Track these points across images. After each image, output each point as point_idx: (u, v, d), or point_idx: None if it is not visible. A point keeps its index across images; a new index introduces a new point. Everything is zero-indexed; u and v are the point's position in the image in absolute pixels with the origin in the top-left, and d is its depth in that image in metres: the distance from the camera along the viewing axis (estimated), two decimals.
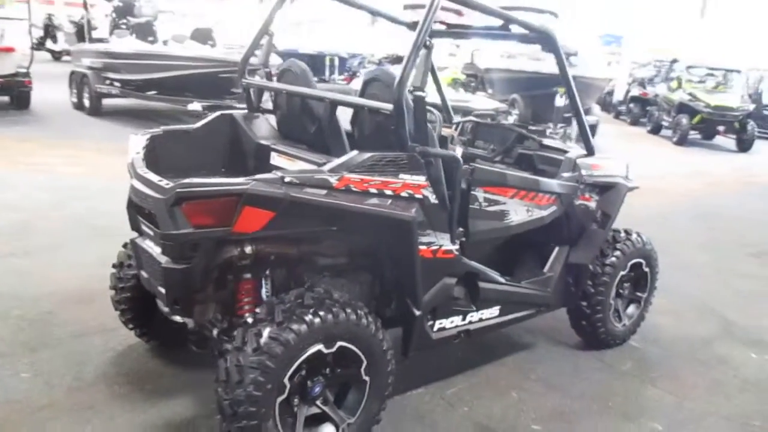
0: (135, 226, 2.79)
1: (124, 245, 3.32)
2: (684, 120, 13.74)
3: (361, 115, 2.91)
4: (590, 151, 3.50)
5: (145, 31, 11.10)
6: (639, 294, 3.91)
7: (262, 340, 2.29)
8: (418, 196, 2.55)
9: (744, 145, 13.87)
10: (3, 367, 3.15)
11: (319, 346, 2.39)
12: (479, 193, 2.90)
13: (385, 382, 2.63)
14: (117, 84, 10.79)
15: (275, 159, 3.18)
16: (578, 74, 11.23)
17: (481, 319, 3.11)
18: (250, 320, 2.41)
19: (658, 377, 3.59)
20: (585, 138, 3.46)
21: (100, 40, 11.56)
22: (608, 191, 3.52)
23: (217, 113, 3.36)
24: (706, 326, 4.34)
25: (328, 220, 2.46)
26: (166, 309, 2.66)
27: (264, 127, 3.40)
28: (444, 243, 2.71)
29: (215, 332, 2.72)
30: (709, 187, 9.44)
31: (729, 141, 14.47)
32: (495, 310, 3.17)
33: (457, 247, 2.78)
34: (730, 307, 4.69)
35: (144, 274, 2.78)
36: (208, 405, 2.98)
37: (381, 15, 3.79)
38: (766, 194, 9.75)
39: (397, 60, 12.02)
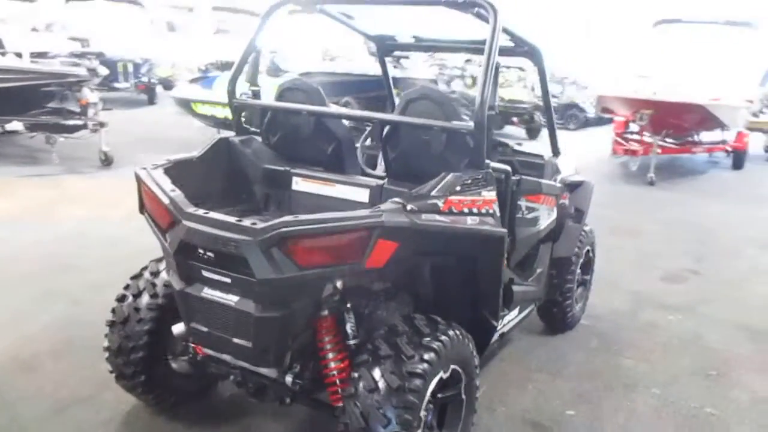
0: (185, 275, 2.43)
1: (121, 298, 2.87)
2: None
3: (401, 133, 2.86)
4: (556, 153, 3.82)
5: None
6: (585, 277, 4.36)
7: (401, 377, 2.20)
8: (491, 210, 2.61)
9: (532, 134, 15.73)
10: None
11: (441, 373, 2.35)
12: (522, 202, 3.04)
13: (475, 397, 2.66)
14: None
15: (299, 184, 2.99)
16: (408, 76, 11.92)
17: (509, 321, 3.26)
18: (368, 358, 2.29)
19: (621, 348, 4.05)
20: (553, 140, 3.77)
21: None
22: (577, 188, 3.88)
23: (216, 138, 3.04)
24: (622, 299, 4.95)
25: (434, 244, 2.42)
26: (245, 361, 2.41)
27: (264, 150, 3.17)
28: None
29: (288, 378, 2.52)
30: None
31: (519, 130, 16.31)
32: (516, 311, 3.34)
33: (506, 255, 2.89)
34: (624, 279, 5.38)
35: (200, 327, 2.44)
36: None
37: (356, 29, 3.72)
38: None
39: (225, 66, 11.55)
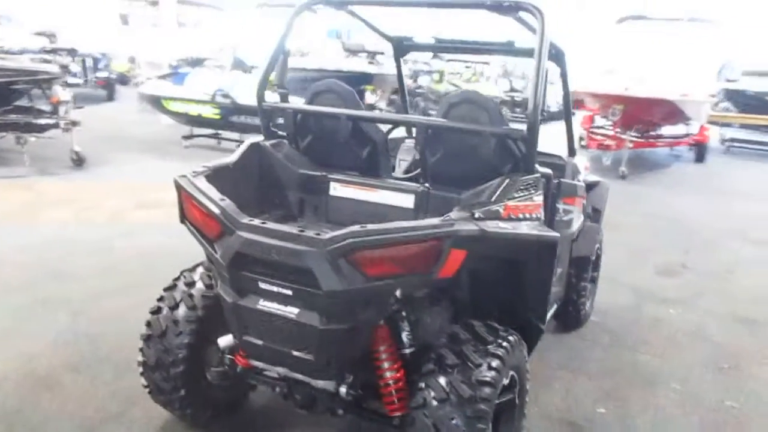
0: (238, 287, 2.34)
1: (156, 310, 2.76)
2: None
3: (443, 138, 2.83)
4: (572, 153, 3.86)
5: None
6: (594, 274, 4.42)
7: (471, 386, 2.18)
8: (539, 215, 2.61)
9: None
10: None
11: (504, 379, 2.34)
12: (559, 205, 3.05)
13: (525, 401, 2.66)
14: None
15: (337, 189, 2.93)
16: (382, 72, 11.91)
17: None
18: (434, 367, 2.26)
19: (633, 344, 4.13)
20: (570, 140, 3.80)
21: None
22: (594, 189, 3.92)
23: (248, 143, 2.96)
24: (623, 294, 5.04)
25: (492, 251, 2.40)
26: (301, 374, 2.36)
27: (295, 154, 3.09)
28: None
29: (342, 389, 2.46)
30: None
31: None
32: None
33: None
34: (621, 274, 5.45)
35: (254, 340, 2.37)
36: None
37: (374, 29, 3.67)
38: None
39: (196, 62, 11.26)
